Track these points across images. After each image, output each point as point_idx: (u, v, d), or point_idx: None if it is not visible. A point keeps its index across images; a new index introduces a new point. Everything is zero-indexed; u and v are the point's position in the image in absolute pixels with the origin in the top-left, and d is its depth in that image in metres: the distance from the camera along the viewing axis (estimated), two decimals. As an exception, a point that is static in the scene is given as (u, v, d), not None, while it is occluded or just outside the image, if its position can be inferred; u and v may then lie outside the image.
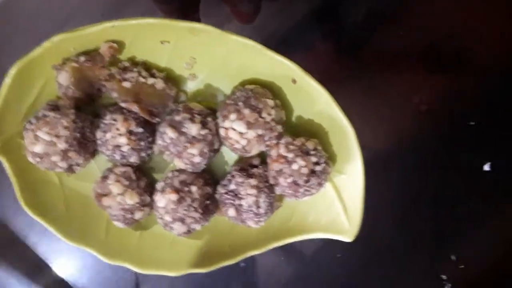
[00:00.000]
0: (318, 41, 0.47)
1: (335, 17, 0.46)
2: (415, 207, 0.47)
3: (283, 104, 0.40)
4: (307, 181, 0.38)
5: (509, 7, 0.45)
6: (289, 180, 0.38)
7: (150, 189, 0.43)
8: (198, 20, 0.48)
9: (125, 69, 0.41)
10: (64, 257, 0.50)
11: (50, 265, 0.50)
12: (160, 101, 0.41)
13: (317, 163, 0.38)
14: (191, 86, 0.43)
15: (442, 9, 0.45)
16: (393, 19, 0.46)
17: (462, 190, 0.47)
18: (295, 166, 0.38)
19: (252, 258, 0.42)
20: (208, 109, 0.41)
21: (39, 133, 0.39)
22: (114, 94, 0.41)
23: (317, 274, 0.49)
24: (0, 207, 0.48)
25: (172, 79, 0.42)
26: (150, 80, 0.41)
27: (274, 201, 0.41)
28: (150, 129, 0.42)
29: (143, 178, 0.43)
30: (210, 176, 0.43)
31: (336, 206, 0.41)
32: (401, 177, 0.47)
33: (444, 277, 0.47)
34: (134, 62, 0.42)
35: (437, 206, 0.47)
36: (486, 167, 0.46)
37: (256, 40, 0.37)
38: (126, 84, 0.40)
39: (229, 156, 0.44)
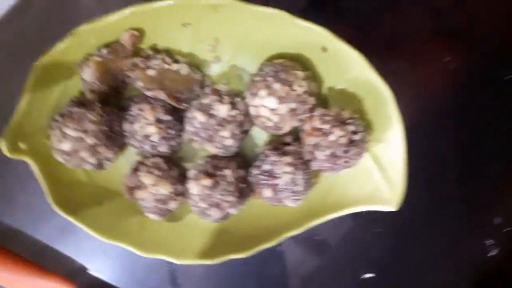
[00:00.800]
0: (342, 10, 0.45)
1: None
2: (450, 171, 0.46)
3: (313, 75, 0.39)
4: (346, 152, 0.36)
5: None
6: (327, 152, 0.37)
7: (181, 178, 0.42)
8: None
9: (148, 57, 0.41)
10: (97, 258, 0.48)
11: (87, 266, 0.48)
12: (186, 86, 0.41)
13: (355, 132, 0.36)
14: (215, 70, 0.42)
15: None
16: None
17: (499, 149, 0.45)
18: (332, 137, 0.36)
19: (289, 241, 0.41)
20: (234, 92, 0.40)
21: (66, 130, 0.38)
22: (139, 83, 0.40)
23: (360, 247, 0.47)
24: (31, 211, 0.47)
25: (195, 65, 0.42)
26: (174, 66, 0.40)
27: (310, 177, 0.40)
28: (177, 116, 0.41)
29: (174, 168, 0.42)
30: (242, 160, 0.42)
31: (375, 176, 0.39)
32: (435, 140, 0.45)
33: (489, 242, 0.45)
34: (156, 50, 0.41)
35: (473, 168, 0.46)
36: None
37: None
38: (151, 72, 0.40)
39: (259, 137, 0.43)
